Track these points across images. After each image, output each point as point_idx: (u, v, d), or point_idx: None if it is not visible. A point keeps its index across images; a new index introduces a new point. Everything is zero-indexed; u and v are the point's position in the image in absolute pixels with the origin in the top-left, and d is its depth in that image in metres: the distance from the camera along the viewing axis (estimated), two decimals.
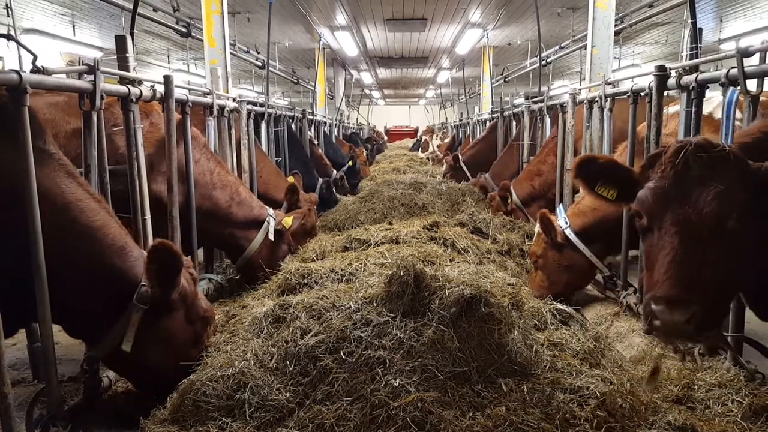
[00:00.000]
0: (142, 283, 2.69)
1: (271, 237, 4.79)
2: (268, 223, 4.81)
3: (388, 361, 2.59)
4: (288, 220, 4.87)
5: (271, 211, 4.93)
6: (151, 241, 3.87)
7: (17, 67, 3.52)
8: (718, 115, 4.09)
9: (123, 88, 3.49)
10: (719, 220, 2.02)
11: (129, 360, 2.73)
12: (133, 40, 3.89)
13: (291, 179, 7.06)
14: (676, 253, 2.05)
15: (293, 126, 9.17)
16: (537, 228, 4.67)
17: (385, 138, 27.28)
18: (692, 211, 2.04)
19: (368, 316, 2.88)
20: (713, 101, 4.22)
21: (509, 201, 6.71)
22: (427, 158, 15.79)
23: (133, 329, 2.64)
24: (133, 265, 2.75)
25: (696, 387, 2.92)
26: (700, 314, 1.97)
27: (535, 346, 2.93)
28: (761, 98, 3.03)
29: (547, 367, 2.79)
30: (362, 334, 2.75)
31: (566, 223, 4.47)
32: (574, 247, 4.42)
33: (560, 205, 5.72)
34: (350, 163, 10.57)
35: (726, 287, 2.15)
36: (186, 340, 2.98)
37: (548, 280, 4.55)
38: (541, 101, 7.68)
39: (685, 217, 2.05)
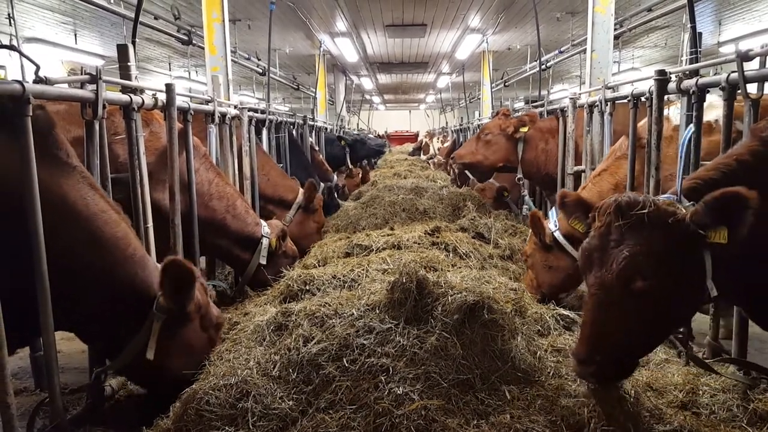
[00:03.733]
0: (160, 293, 2.74)
1: (263, 261, 4.80)
2: (261, 244, 4.81)
3: (391, 369, 2.58)
4: (273, 242, 4.88)
5: (266, 229, 4.89)
6: (153, 249, 3.88)
7: (20, 77, 3.55)
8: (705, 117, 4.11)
9: (125, 97, 3.50)
10: (625, 282, 2.14)
11: (148, 368, 2.78)
12: (134, 48, 3.90)
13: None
14: (588, 315, 2.29)
15: (294, 132, 9.20)
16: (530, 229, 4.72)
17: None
18: (605, 274, 2.19)
19: (371, 323, 2.88)
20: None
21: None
22: (428, 162, 15.79)
23: (155, 337, 2.69)
24: (152, 275, 2.81)
25: (701, 392, 2.91)
26: (602, 368, 2.25)
27: (538, 352, 2.93)
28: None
29: (551, 374, 2.78)
30: (365, 342, 2.75)
31: (556, 226, 4.49)
32: (562, 249, 4.44)
33: (553, 208, 5.72)
34: (343, 143, 11.55)
35: (642, 339, 2.30)
36: (202, 347, 3.05)
37: (537, 280, 4.59)
38: (542, 105, 7.69)
39: (599, 280, 2.22)
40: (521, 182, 7.01)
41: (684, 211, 2.15)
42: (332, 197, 8.48)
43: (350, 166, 11.88)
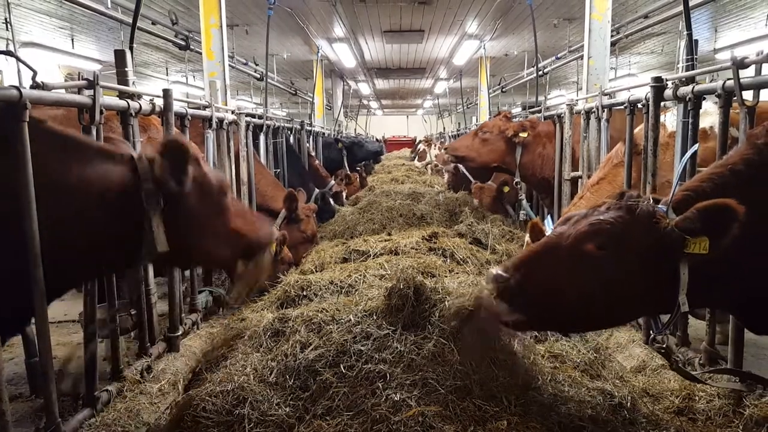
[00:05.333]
0: (147, 186, 2.48)
1: None
2: None
3: (388, 375, 2.57)
4: (273, 248, 4.87)
5: None
6: None
7: (17, 82, 3.55)
8: (701, 124, 4.13)
9: (122, 103, 3.50)
10: (581, 240, 2.23)
11: (179, 253, 2.63)
12: (132, 53, 3.90)
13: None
14: (531, 246, 2.42)
15: (292, 137, 9.20)
16: (527, 238, 4.69)
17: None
18: (570, 229, 2.31)
19: (368, 329, 2.87)
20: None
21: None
22: (425, 167, 15.81)
23: (161, 229, 2.48)
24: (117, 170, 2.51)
25: (697, 398, 2.92)
26: (509, 290, 2.23)
27: (534, 358, 2.92)
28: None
29: (548, 380, 2.78)
30: (362, 348, 2.74)
31: None
32: None
33: (548, 215, 5.73)
34: (340, 145, 11.99)
35: (563, 299, 2.27)
36: (219, 212, 2.77)
37: None
38: (539, 111, 7.71)
39: (561, 231, 2.34)
40: (519, 186, 7.01)
41: (667, 221, 2.18)
42: (327, 202, 8.46)
43: (348, 172, 11.92)
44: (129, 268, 2.78)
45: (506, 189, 7.86)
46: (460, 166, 9.87)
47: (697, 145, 3.11)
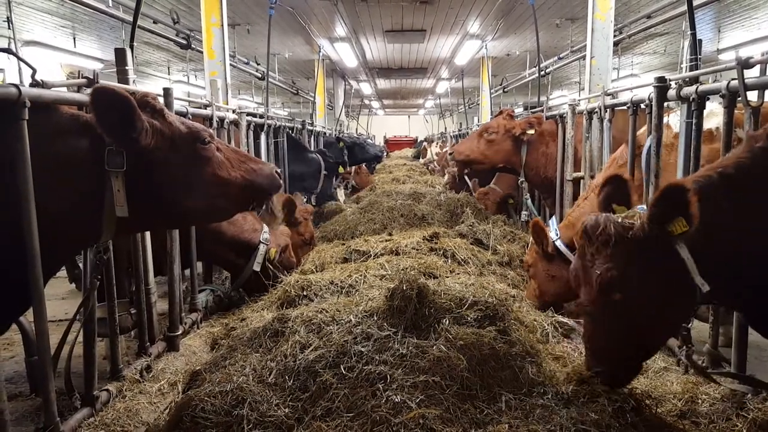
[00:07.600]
0: (109, 147, 2.38)
1: (257, 268, 4.77)
2: (258, 250, 4.79)
3: (389, 377, 2.55)
4: (272, 252, 4.87)
5: (265, 234, 4.86)
6: (150, 254, 3.86)
7: (17, 80, 3.54)
8: (706, 125, 4.10)
9: None
10: (605, 296, 2.35)
11: (161, 212, 2.60)
12: (132, 52, 3.89)
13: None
14: (585, 329, 2.62)
15: (293, 136, 9.23)
16: (531, 238, 4.67)
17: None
18: (590, 290, 2.42)
19: (369, 330, 2.86)
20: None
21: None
22: (425, 165, 15.77)
23: (122, 193, 2.38)
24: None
25: (700, 401, 2.89)
26: (608, 373, 2.55)
27: (537, 361, 2.90)
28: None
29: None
30: (363, 349, 2.72)
31: (557, 235, 4.46)
32: (564, 258, 4.40)
33: (553, 216, 5.70)
34: (341, 145, 12.03)
35: (634, 344, 2.45)
36: (194, 162, 2.64)
37: (539, 290, 4.55)
38: (541, 111, 7.69)
39: (587, 296, 2.45)
40: (523, 185, 6.98)
41: (642, 222, 2.29)
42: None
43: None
44: (98, 239, 2.59)
45: (511, 202, 7.83)
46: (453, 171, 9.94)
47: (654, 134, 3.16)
